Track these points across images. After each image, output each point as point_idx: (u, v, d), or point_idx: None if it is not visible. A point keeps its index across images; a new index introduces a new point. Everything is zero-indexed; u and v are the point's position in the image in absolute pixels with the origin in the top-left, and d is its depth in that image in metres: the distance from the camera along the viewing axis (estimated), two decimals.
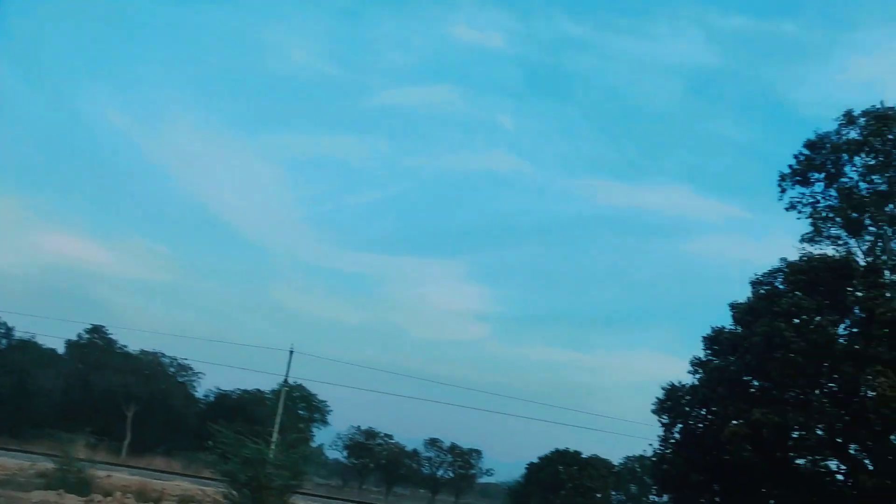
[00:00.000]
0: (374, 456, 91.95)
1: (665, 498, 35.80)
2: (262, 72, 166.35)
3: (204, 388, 79.97)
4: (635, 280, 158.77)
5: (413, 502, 73.28)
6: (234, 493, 24.52)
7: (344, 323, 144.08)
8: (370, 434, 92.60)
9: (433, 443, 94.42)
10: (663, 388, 31.67)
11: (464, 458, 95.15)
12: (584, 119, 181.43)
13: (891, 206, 35.04)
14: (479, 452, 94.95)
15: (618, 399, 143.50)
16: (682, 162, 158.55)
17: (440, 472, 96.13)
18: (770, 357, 26.80)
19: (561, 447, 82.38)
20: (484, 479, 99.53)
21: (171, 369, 78.26)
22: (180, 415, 70.17)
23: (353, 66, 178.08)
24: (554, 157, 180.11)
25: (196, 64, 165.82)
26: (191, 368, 78.80)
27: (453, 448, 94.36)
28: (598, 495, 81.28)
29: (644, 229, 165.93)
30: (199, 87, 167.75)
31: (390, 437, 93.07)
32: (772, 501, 29.61)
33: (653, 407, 31.86)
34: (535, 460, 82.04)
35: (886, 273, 29.51)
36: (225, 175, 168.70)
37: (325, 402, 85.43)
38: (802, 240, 35.74)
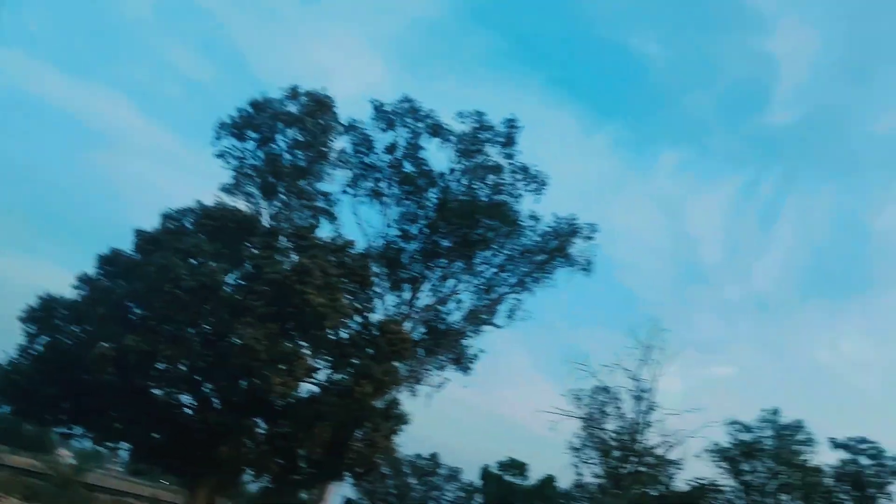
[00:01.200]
0: None
1: (7, 409, 33.72)
2: None
3: None
4: (51, 183, 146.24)
5: None
6: None
7: None
8: None
9: None
10: (39, 298, 29.96)
11: None
12: None
13: (303, 181, 39.03)
14: None
15: None
16: (132, 76, 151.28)
17: None
18: (159, 289, 27.19)
19: None
20: None
21: None
22: None
23: None
24: None
25: None
26: None
27: None
28: None
29: (73, 131, 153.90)
30: None
31: None
32: (117, 425, 30.13)
33: (22, 314, 29.85)
34: None
35: (283, 239, 32.40)
36: None
37: None
38: (222, 188, 37.53)
